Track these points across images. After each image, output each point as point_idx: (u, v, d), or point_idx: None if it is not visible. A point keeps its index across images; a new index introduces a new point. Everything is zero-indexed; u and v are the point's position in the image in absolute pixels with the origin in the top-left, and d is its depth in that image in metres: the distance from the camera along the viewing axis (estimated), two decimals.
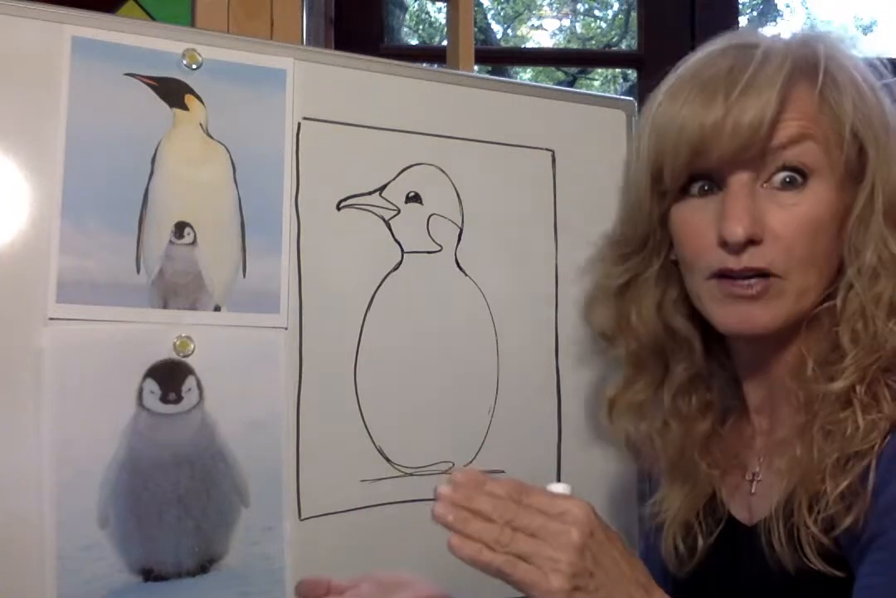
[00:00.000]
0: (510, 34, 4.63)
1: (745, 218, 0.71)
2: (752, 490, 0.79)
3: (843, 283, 0.72)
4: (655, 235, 0.80)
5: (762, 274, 0.72)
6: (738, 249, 0.71)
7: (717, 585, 0.81)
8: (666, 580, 0.85)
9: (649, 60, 1.78)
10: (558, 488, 0.66)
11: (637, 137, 0.79)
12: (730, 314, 0.74)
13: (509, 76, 3.32)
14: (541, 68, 4.06)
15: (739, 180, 0.72)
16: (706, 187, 0.74)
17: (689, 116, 0.71)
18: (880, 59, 0.75)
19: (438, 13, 4.22)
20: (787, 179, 0.72)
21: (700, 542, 0.81)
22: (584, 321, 0.88)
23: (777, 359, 0.77)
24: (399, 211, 1.02)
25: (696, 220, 0.75)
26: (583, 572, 0.61)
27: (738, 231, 0.70)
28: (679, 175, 0.74)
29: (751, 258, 0.72)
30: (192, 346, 0.89)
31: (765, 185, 0.72)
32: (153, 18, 1.40)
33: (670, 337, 0.83)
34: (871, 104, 0.72)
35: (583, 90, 3.28)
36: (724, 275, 0.74)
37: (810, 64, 0.72)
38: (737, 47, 0.74)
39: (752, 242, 0.71)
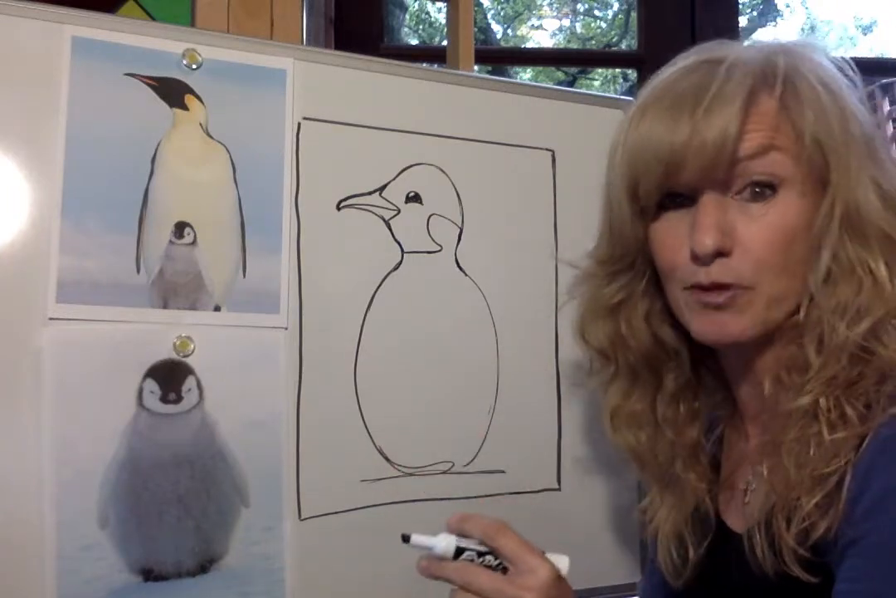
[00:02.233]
0: (510, 34, 4.63)
1: (714, 231, 0.71)
2: (746, 500, 0.79)
3: (805, 292, 0.73)
4: (643, 253, 0.80)
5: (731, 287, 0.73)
6: (707, 261, 0.72)
7: (710, 593, 0.81)
8: (666, 588, 0.86)
9: (649, 60, 1.78)
10: (553, 556, 0.70)
11: (613, 152, 0.80)
12: (704, 324, 0.75)
13: (509, 76, 3.32)
14: (541, 68, 4.06)
15: (710, 194, 0.72)
16: (678, 200, 0.75)
17: (658, 135, 0.72)
18: (849, 62, 0.75)
19: (438, 13, 4.22)
20: (757, 190, 0.72)
21: (692, 553, 0.82)
22: (580, 341, 0.88)
23: (761, 367, 0.77)
24: (399, 211, 1.02)
25: (670, 234, 0.76)
26: None
27: (706, 243, 0.71)
28: (653, 193, 0.75)
29: (718, 272, 0.72)
30: (192, 346, 0.89)
31: (735, 196, 0.73)
32: (153, 18, 1.40)
33: (660, 347, 0.83)
34: (832, 113, 0.71)
35: (583, 90, 3.28)
36: (696, 286, 0.75)
37: (770, 75, 0.72)
38: (705, 62, 0.74)
39: (721, 254, 0.72)
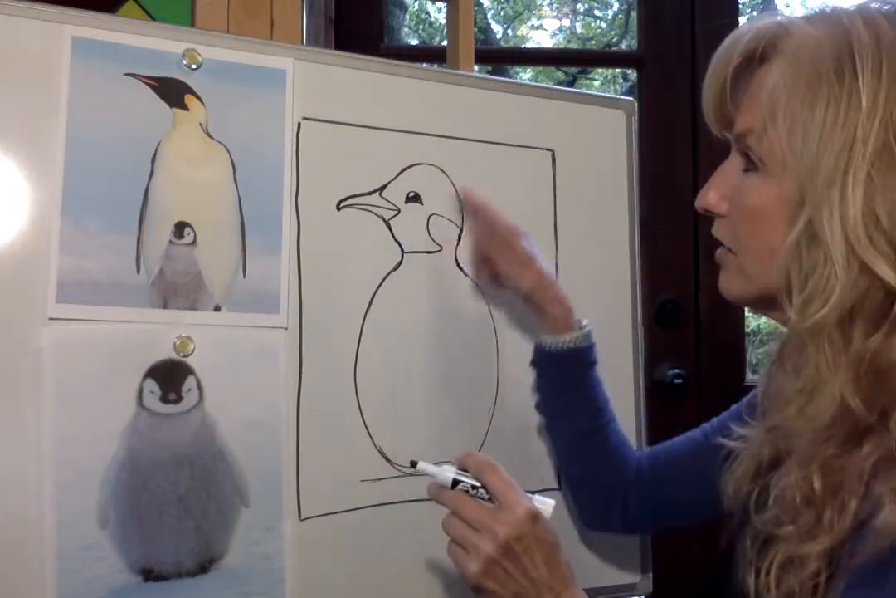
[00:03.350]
0: (510, 34, 4.62)
1: (709, 190, 0.74)
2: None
3: None
4: None
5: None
6: (709, 216, 0.75)
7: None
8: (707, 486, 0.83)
9: (649, 60, 1.77)
10: (539, 499, 0.79)
11: None
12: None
13: (509, 76, 3.32)
14: (541, 68, 4.05)
15: (733, 152, 0.73)
16: None
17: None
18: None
19: (438, 13, 4.22)
20: (745, 165, 0.71)
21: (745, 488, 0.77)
22: None
23: None
24: (399, 211, 1.02)
25: None
26: (496, 564, 0.75)
27: (698, 201, 0.75)
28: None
29: (716, 229, 0.75)
30: (192, 346, 0.89)
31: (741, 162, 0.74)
32: (153, 18, 1.40)
33: None
34: (796, 89, 0.64)
35: (583, 90, 3.27)
36: None
37: (768, 49, 0.69)
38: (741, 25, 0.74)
39: (718, 213, 0.74)
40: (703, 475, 0.85)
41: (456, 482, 0.80)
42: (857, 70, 0.62)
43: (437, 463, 0.82)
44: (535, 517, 0.77)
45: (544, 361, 1.02)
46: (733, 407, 0.95)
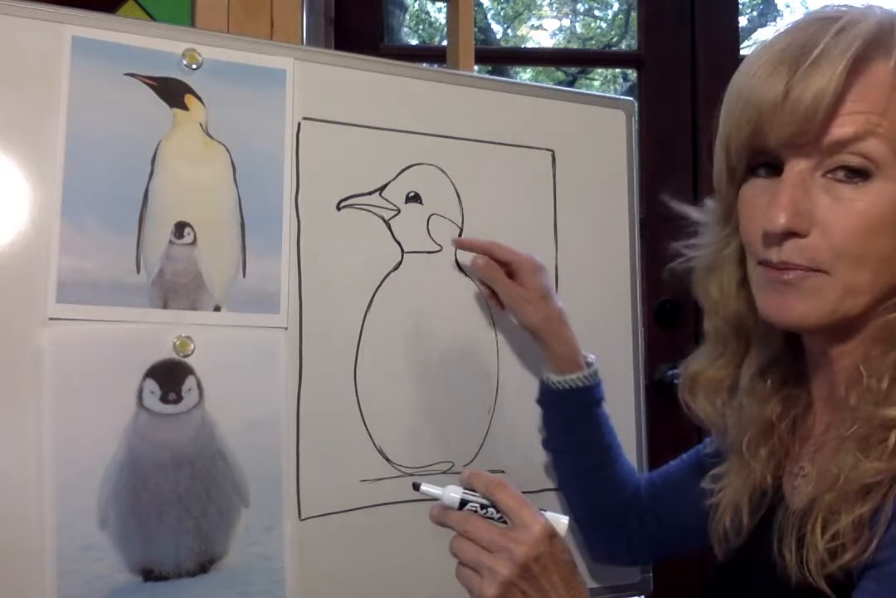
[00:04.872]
0: (510, 34, 4.63)
1: (788, 209, 0.67)
2: (795, 483, 0.77)
3: (890, 291, 0.68)
4: (734, 212, 0.75)
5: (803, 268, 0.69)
6: (777, 240, 0.68)
7: (750, 567, 0.79)
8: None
9: (649, 60, 1.77)
10: (552, 516, 0.75)
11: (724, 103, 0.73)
12: (768, 301, 0.71)
13: (509, 76, 3.33)
14: (541, 68, 4.06)
15: (796, 166, 0.67)
16: (767, 168, 0.70)
17: (751, 91, 0.67)
18: None
19: (438, 13, 4.22)
20: (850, 174, 0.66)
21: (745, 521, 0.79)
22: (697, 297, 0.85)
23: (839, 364, 0.73)
24: (399, 211, 1.02)
25: (753, 203, 0.71)
26: (514, 586, 0.70)
27: (778, 221, 0.67)
28: (741, 154, 0.70)
29: (791, 252, 0.68)
30: (192, 346, 0.89)
31: (828, 174, 0.67)
32: (153, 18, 1.40)
33: (752, 317, 0.78)
34: None
35: (583, 90, 3.27)
36: (766, 263, 0.71)
37: (886, 38, 0.65)
38: (817, 20, 0.68)
39: (795, 234, 0.67)
40: (702, 500, 0.85)
41: (463, 503, 0.75)
42: None
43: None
44: (551, 535, 0.72)
45: (550, 399, 1.02)
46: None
